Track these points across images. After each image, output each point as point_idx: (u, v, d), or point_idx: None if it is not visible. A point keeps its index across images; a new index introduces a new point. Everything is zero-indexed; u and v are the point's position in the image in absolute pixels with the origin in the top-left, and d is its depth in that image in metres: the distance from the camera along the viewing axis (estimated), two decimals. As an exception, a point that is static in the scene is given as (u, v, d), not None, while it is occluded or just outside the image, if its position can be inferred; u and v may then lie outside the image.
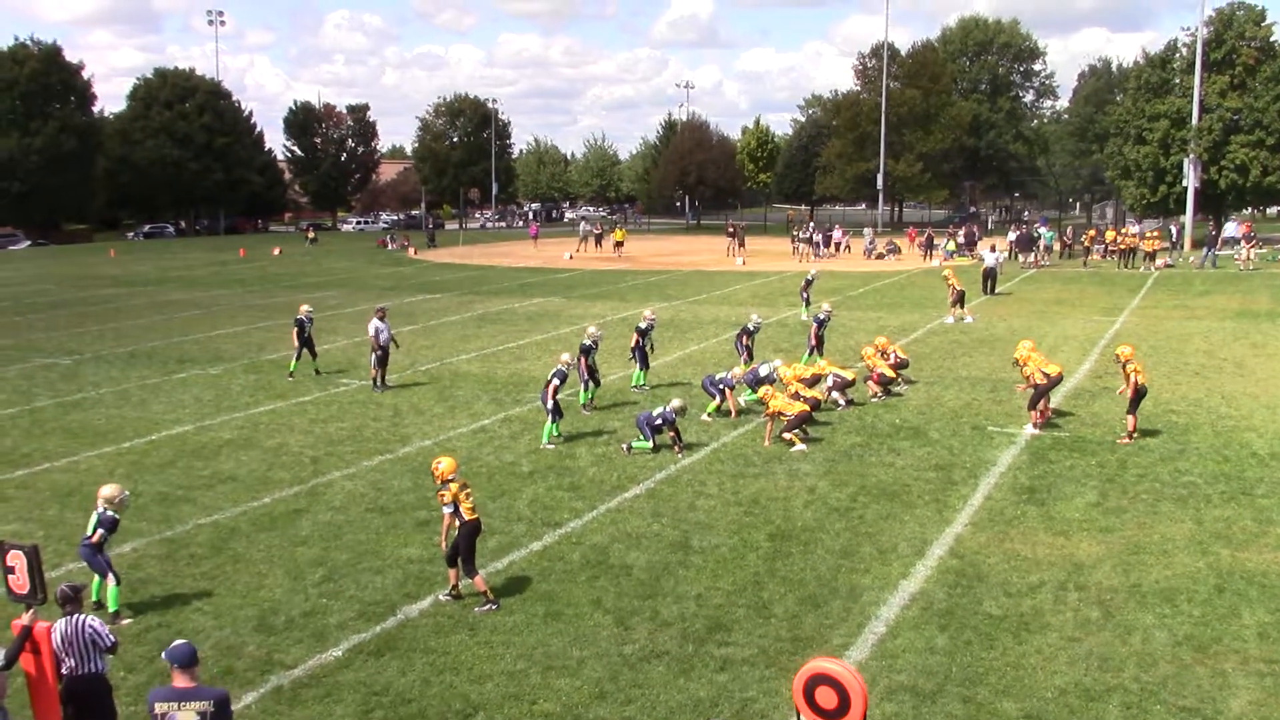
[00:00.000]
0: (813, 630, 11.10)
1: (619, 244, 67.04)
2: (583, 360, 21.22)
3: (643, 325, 23.52)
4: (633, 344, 23.37)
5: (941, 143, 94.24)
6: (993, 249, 44.54)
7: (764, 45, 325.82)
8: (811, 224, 73.93)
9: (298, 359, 25.35)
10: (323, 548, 13.79)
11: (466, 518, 11.75)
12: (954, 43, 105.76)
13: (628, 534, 14.11)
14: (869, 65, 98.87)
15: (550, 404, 18.43)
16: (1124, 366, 18.42)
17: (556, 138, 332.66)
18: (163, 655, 7.51)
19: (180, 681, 7.27)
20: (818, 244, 61.31)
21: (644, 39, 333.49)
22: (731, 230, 66.26)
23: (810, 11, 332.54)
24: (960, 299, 33.55)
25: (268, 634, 11.14)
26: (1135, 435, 18.31)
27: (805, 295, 34.37)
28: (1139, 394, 18.22)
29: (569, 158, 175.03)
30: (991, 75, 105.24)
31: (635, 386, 23.29)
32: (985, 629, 11.03)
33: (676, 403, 18.21)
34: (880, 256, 59.84)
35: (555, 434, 18.75)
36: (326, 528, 14.56)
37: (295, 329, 25.35)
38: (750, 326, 24.65)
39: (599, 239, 70.13)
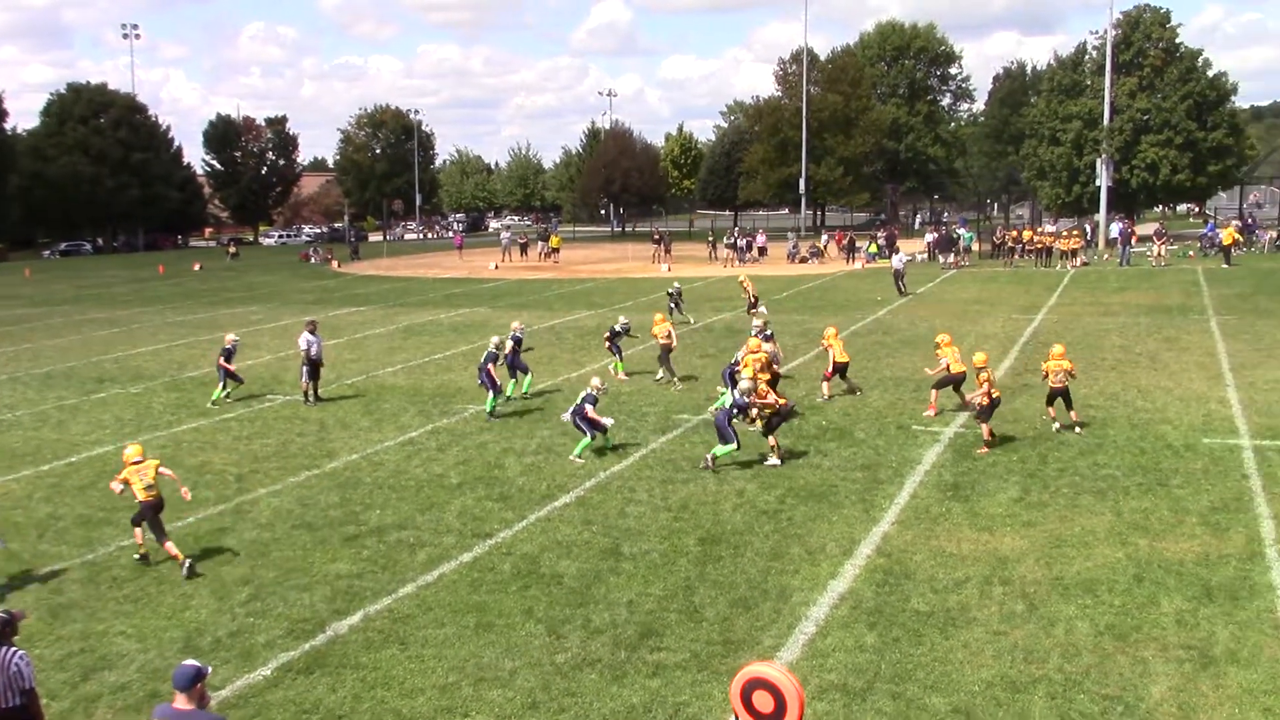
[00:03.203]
0: (744, 633, 11.18)
1: (555, 250, 67.10)
2: (511, 346, 22.47)
3: (518, 335, 23.90)
4: (506, 354, 23.02)
5: (862, 147, 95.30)
6: (897, 251, 45.54)
7: (684, 52, 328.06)
8: (736, 230, 74.46)
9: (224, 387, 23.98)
10: (249, 566, 13.60)
11: (142, 498, 13.24)
12: (872, 47, 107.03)
13: (558, 542, 14.10)
14: (790, 71, 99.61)
15: (489, 379, 20.37)
16: (979, 374, 18.11)
17: (480, 148, 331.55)
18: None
19: (179, 703, 7.11)
20: (741, 249, 61.78)
21: (564, 47, 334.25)
22: (657, 237, 66.54)
23: (729, 17, 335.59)
24: (754, 303, 33.98)
25: (194, 656, 10.90)
26: (994, 443, 17.88)
27: (677, 305, 35.45)
28: (993, 405, 17.85)
29: (494, 167, 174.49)
30: (909, 79, 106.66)
31: (517, 396, 23.21)
32: (913, 625, 11.18)
33: (596, 381, 18.78)
34: (804, 260, 60.39)
35: (495, 405, 20.68)
36: (252, 546, 14.36)
37: (221, 357, 23.89)
38: (618, 327, 25.63)
39: (524, 248, 70.02)
